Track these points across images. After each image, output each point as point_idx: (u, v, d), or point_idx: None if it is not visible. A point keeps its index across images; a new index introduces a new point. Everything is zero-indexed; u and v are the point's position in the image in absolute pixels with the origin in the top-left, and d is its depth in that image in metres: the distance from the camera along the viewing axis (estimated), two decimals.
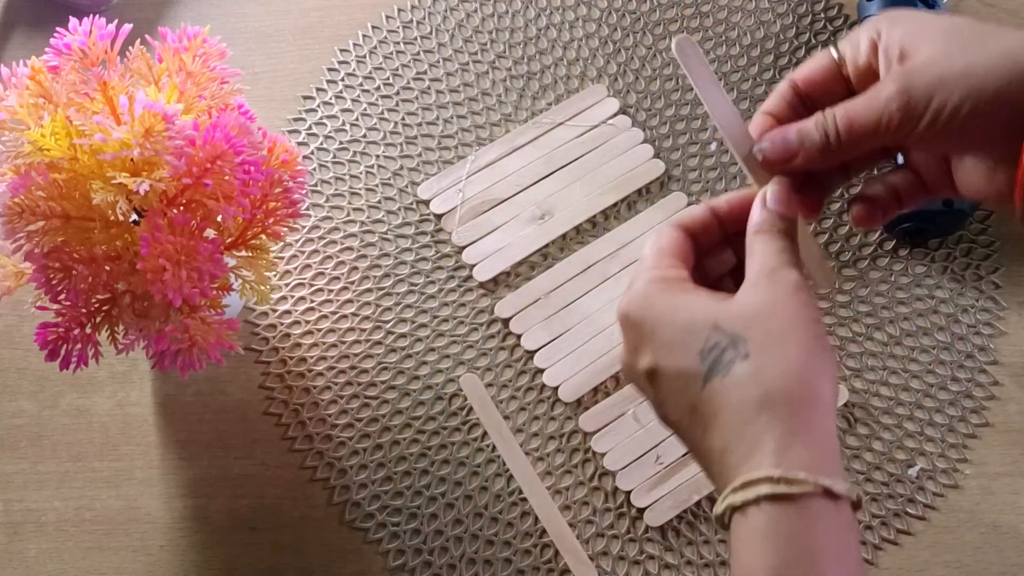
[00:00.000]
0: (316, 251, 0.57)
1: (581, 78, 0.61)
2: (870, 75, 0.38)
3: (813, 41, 0.62)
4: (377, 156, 0.59)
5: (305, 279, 0.56)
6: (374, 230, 0.58)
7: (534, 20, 0.63)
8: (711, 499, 0.51)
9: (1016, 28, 0.35)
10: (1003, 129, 0.34)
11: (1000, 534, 0.51)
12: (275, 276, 0.56)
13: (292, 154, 0.45)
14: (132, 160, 0.39)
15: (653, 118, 0.60)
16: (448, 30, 0.62)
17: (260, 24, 0.63)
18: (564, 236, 0.57)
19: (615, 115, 0.60)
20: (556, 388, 0.54)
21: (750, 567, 0.30)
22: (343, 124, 0.60)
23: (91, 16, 0.42)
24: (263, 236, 0.45)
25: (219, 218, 0.41)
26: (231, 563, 0.51)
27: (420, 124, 0.60)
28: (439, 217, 0.58)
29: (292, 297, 0.56)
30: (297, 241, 0.57)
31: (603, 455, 0.52)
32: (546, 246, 0.57)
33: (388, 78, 0.61)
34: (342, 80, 0.61)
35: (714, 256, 0.40)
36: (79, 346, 0.42)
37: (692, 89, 0.60)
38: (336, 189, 0.58)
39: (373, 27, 0.62)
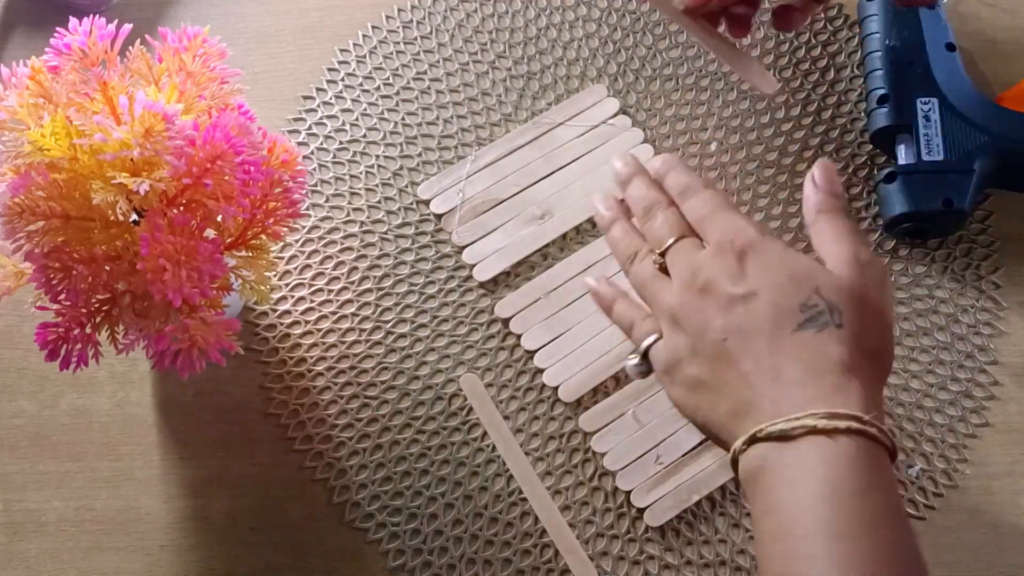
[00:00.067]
0: (316, 251, 0.57)
1: (581, 78, 0.61)
2: None
3: (813, 41, 0.62)
4: (377, 156, 0.59)
5: (305, 279, 0.56)
6: (374, 230, 0.58)
7: (534, 20, 0.63)
8: (711, 499, 0.51)
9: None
10: None
11: (1000, 534, 0.51)
12: (275, 276, 0.56)
13: (292, 154, 0.45)
14: (132, 160, 0.39)
15: (653, 118, 0.60)
16: (448, 30, 0.62)
17: (260, 24, 0.63)
18: (564, 236, 0.57)
19: (615, 115, 0.60)
20: (556, 388, 0.54)
21: (830, 479, 0.35)
22: (343, 124, 0.60)
23: (91, 16, 0.42)
24: (263, 236, 0.45)
25: (219, 218, 0.41)
26: (231, 563, 0.51)
27: (420, 124, 0.60)
28: (439, 217, 0.58)
29: (292, 297, 0.56)
30: (297, 241, 0.57)
31: (603, 455, 0.52)
32: (546, 246, 0.57)
33: (388, 78, 0.61)
34: (342, 80, 0.61)
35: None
36: (79, 346, 0.42)
37: (692, 89, 0.60)
38: (336, 189, 0.58)
39: (373, 27, 0.62)
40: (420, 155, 0.59)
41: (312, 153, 0.59)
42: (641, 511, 0.51)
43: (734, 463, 0.39)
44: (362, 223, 0.58)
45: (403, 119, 0.60)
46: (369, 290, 0.56)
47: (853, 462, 0.36)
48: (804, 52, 0.61)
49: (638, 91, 0.61)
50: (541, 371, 0.54)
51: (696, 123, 0.60)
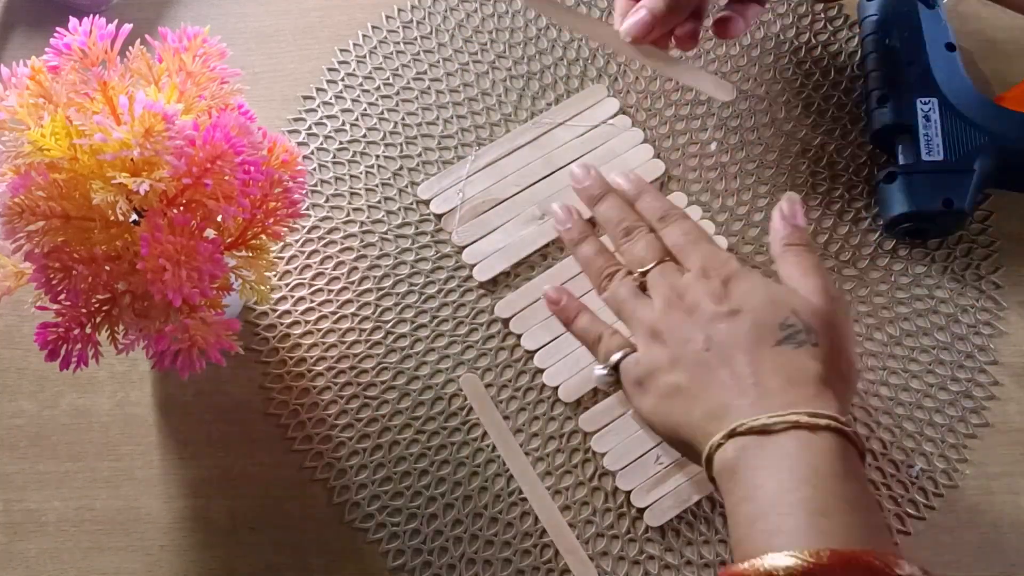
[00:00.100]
0: (316, 251, 0.57)
1: (581, 78, 0.61)
2: None
3: (813, 41, 0.62)
4: (377, 156, 0.59)
5: (305, 279, 0.56)
6: (374, 230, 0.58)
7: (534, 20, 0.63)
8: (711, 499, 0.51)
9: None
10: None
11: (1000, 534, 0.51)
12: (275, 276, 0.56)
13: (292, 154, 0.45)
14: (132, 160, 0.39)
15: (653, 118, 0.60)
16: (448, 30, 0.62)
17: (260, 24, 0.63)
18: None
19: (615, 115, 0.60)
20: (556, 388, 0.54)
21: (812, 465, 0.38)
22: (343, 124, 0.60)
23: (91, 16, 0.42)
24: (263, 236, 0.45)
25: (219, 218, 0.41)
26: (231, 563, 0.51)
27: (420, 124, 0.60)
28: (439, 217, 0.58)
29: (292, 297, 0.56)
30: (297, 241, 0.57)
31: (603, 455, 0.52)
32: (546, 246, 0.57)
33: (388, 78, 0.61)
34: (342, 80, 0.61)
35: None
36: (79, 346, 0.42)
37: (691, 89, 0.60)
38: (336, 189, 0.58)
39: (373, 27, 0.62)
40: (420, 155, 0.59)
41: (312, 153, 0.59)
42: (641, 511, 0.51)
43: (709, 460, 0.41)
44: (362, 223, 0.58)
45: (403, 119, 0.60)
46: (369, 290, 0.56)
47: (833, 453, 0.38)
48: (804, 52, 0.61)
49: (638, 91, 0.61)
50: (541, 371, 0.54)
51: (696, 123, 0.60)
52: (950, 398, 0.54)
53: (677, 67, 0.56)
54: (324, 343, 0.55)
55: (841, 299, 0.45)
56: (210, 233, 0.42)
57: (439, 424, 0.53)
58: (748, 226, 0.58)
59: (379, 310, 0.56)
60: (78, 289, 0.40)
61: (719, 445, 0.40)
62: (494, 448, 0.53)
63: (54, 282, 0.40)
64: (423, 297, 0.56)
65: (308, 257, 0.57)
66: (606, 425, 0.53)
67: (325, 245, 0.57)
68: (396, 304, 0.56)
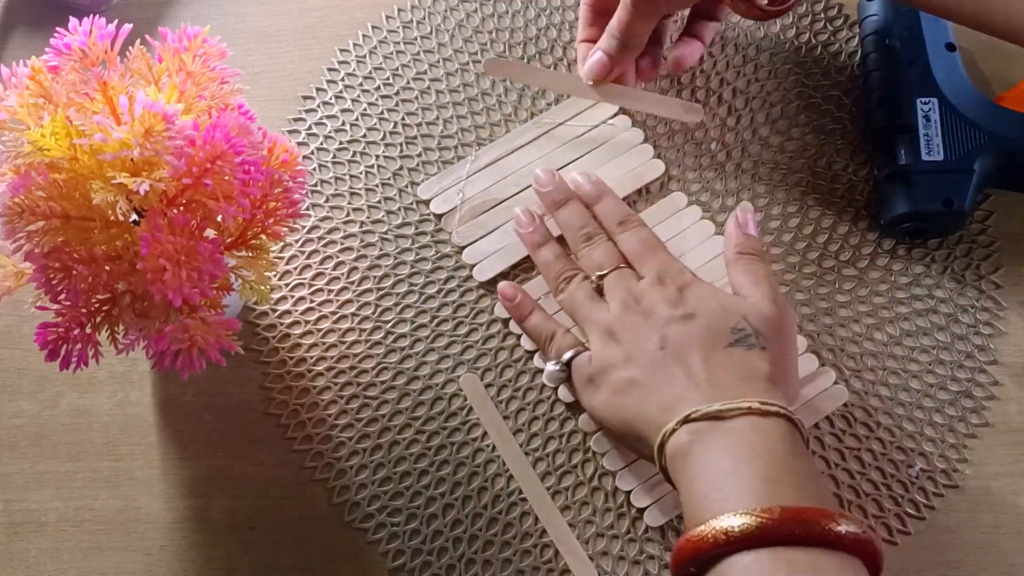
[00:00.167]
0: (316, 251, 0.57)
1: None
2: None
3: (813, 41, 0.62)
4: (377, 156, 0.59)
5: (305, 279, 0.56)
6: (374, 230, 0.58)
7: (534, 20, 0.63)
8: None
9: None
10: None
11: (1000, 534, 0.51)
12: (275, 276, 0.56)
13: (292, 154, 0.45)
14: (132, 160, 0.39)
15: (653, 118, 0.60)
16: (448, 30, 0.62)
17: (260, 24, 0.63)
18: (563, 237, 0.57)
19: (615, 115, 0.60)
20: (556, 388, 0.54)
21: (765, 443, 0.40)
22: (343, 124, 0.60)
23: (91, 16, 0.42)
24: (263, 236, 0.45)
25: (219, 218, 0.41)
26: (231, 563, 0.51)
27: (420, 124, 0.60)
28: (439, 217, 0.58)
29: (292, 297, 0.56)
30: (297, 241, 0.57)
31: (603, 455, 0.52)
32: None
33: (388, 78, 0.61)
34: (342, 80, 0.61)
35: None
36: (79, 346, 0.42)
37: (691, 89, 0.60)
38: (336, 189, 0.58)
39: (373, 27, 0.62)
40: (420, 155, 0.59)
41: (312, 153, 0.59)
42: (641, 511, 0.51)
43: (661, 447, 0.43)
44: (362, 223, 0.58)
45: (403, 119, 0.60)
46: (369, 290, 0.56)
47: (783, 435, 0.41)
48: (804, 52, 0.61)
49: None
50: (541, 371, 0.54)
51: (696, 123, 0.60)
52: (950, 398, 0.54)
53: (643, 99, 0.58)
54: (324, 343, 0.55)
55: (787, 308, 0.48)
56: (210, 233, 0.42)
57: (439, 424, 0.53)
58: None
59: (379, 310, 0.56)
60: (78, 289, 0.40)
61: (672, 431, 0.42)
62: (494, 448, 0.53)
63: (54, 282, 0.40)
64: (423, 297, 0.56)
65: (308, 257, 0.57)
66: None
67: (325, 245, 0.57)
68: (396, 304, 0.56)
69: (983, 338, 0.55)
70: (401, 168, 0.59)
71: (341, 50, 0.62)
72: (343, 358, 0.55)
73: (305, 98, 0.61)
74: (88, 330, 0.42)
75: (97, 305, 0.42)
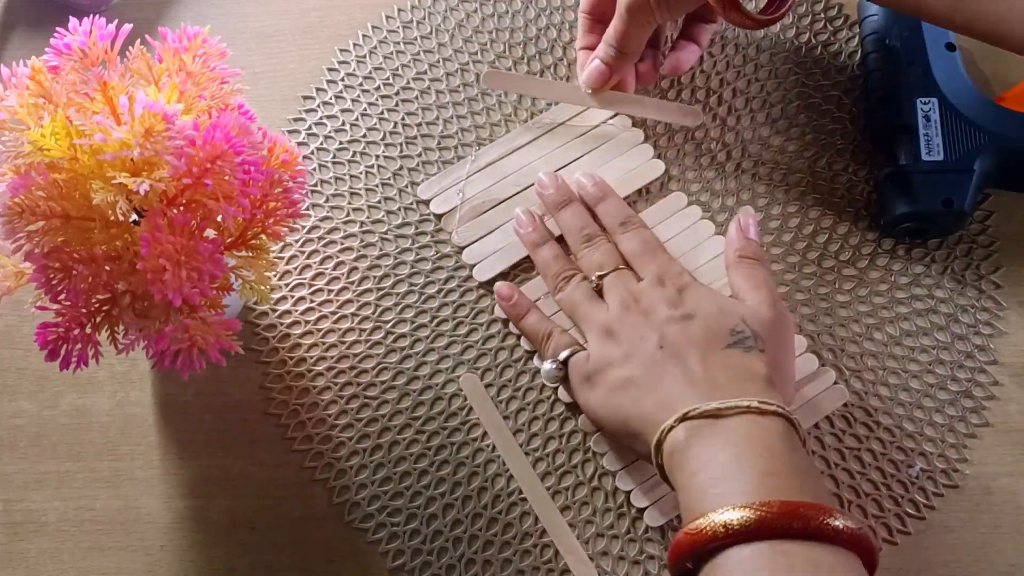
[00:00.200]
0: (316, 251, 0.57)
1: None
2: None
3: (813, 41, 0.62)
4: (377, 156, 0.59)
5: (305, 279, 0.56)
6: (374, 230, 0.58)
7: (534, 20, 0.63)
8: None
9: None
10: None
11: (1000, 534, 0.51)
12: (275, 276, 0.56)
13: (292, 154, 0.45)
14: (132, 160, 0.39)
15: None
16: (448, 30, 0.62)
17: (260, 24, 0.63)
18: (563, 237, 0.57)
19: (615, 115, 0.59)
20: (556, 388, 0.54)
21: (764, 441, 0.41)
22: (343, 124, 0.60)
23: (91, 16, 0.42)
24: (263, 236, 0.45)
25: (219, 218, 0.41)
26: (231, 563, 0.51)
27: (420, 124, 0.60)
28: (439, 217, 0.58)
29: (292, 297, 0.56)
30: (297, 241, 0.57)
31: (603, 455, 0.52)
32: None
33: (388, 78, 0.61)
34: (342, 80, 0.61)
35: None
36: (79, 346, 0.42)
37: (690, 89, 0.60)
38: (336, 189, 0.58)
39: (373, 27, 0.62)
40: (420, 155, 0.59)
41: (312, 153, 0.59)
42: (641, 511, 0.51)
43: (659, 444, 0.43)
44: (362, 223, 0.58)
45: (403, 119, 0.60)
46: (369, 290, 0.56)
47: (783, 433, 0.41)
48: (804, 52, 0.61)
49: (638, 91, 0.61)
50: (540, 371, 0.54)
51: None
52: (950, 398, 0.54)
53: (641, 105, 0.58)
54: (324, 343, 0.55)
55: (786, 313, 0.49)
56: (210, 233, 0.42)
57: (439, 424, 0.53)
58: None
59: (379, 310, 0.56)
60: (78, 289, 0.40)
61: (671, 428, 0.43)
62: (494, 448, 0.53)
63: (54, 282, 0.40)
64: (423, 297, 0.56)
65: (308, 257, 0.57)
66: None
67: (325, 245, 0.57)
68: (396, 304, 0.56)
69: (983, 338, 0.55)
70: (401, 168, 0.59)
71: (341, 50, 0.62)
72: (343, 358, 0.55)
73: (305, 98, 0.61)
74: (88, 330, 0.42)
75: (97, 305, 0.42)
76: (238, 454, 0.53)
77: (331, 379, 0.54)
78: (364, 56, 0.62)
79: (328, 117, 0.60)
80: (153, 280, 0.38)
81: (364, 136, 0.60)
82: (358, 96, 0.61)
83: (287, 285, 0.56)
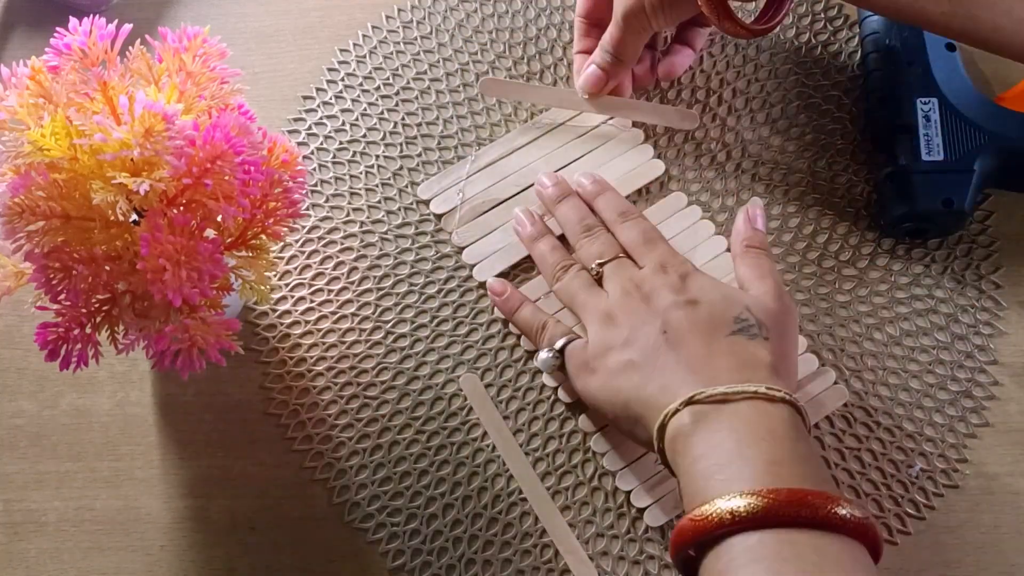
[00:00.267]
0: (316, 251, 0.57)
1: None
2: None
3: (813, 41, 0.62)
4: (377, 156, 0.59)
5: (305, 279, 0.56)
6: (374, 230, 0.58)
7: (534, 20, 0.63)
8: None
9: None
10: None
11: (1000, 534, 0.51)
12: (275, 276, 0.56)
13: (292, 154, 0.45)
14: (132, 160, 0.39)
15: None
16: (448, 30, 0.62)
17: (260, 24, 0.63)
18: (563, 237, 0.57)
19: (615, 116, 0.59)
20: (556, 388, 0.54)
21: (770, 428, 0.41)
22: (343, 124, 0.60)
23: (91, 16, 0.42)
24: (263, 236, 0.45)
25: (219, 218, 0.41)
26: (231, 563, 0.51)
27: (420, 124, 0.60)
28: (439, 217, 0.58)
29: (292, 297, 0.56)
30: (297, 241, 0.57)
31: (603, 455, 0.52)
32: None
33: (388, 78, 0.61)
34: (342, 80, 0.61)
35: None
36: (79, 346, 0.42)
37: (690, 89, 0.60)
38: (336, 189, 0.58)
39: (373, 27, 0.62)
40: (420, 155, 0.59)
41: (312, 153, 0.59)
42: (641, 511, 0.51)
43: (662, 428, 0.43)
44: (362, 223, 0.58)
45: (403, 119, 0.60)
46: (369, 290, 0.56)
47: (789, 420, 0.41)
48: (804, 52, 0.61)
49: (638, 91, 0.61)
50: (541, 371, 0.54)
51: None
52: (950, 398, 0.54)
53: (638, 110, 0.59)
54: (324, 343, 0.55)
55: (791, 305, 0.48)
56: (210, 233, 0.42)
57: (439, 424, 0.53)
58: None
59: (379, 310, 0.56)
60: (78, 289, 0.40)
61: (675, 412, 0.42)
62: (494, 448, 0.53)
63: (54, 282, 0.40)
64: (423, 297, 0.56)
65: (308, 257, 0.57)
66: (606, 425, 0.53)
67: (325, 245, 0.57)
68: (396, 304, 0.56)
69: (983, 338, 0.55)
70: (401, 168, 0.59)
71: (341, 50, 0.62)
72: (343, 358, 0.55)
73: (305, 98, 0.61)
74: (88, 330, 0.42)
75: (97, 305, 0.42)
76: (238, 454, 0.53)
77: (331, 379, 0.54)
78: (364, 56, 0.62)
79: (328, 117, 0.60)
80: (153, 280, 0.38)
81: (364, 136, 0.60)
82: (358, 96, 0.61)
83: (287, 285, 0.56)
